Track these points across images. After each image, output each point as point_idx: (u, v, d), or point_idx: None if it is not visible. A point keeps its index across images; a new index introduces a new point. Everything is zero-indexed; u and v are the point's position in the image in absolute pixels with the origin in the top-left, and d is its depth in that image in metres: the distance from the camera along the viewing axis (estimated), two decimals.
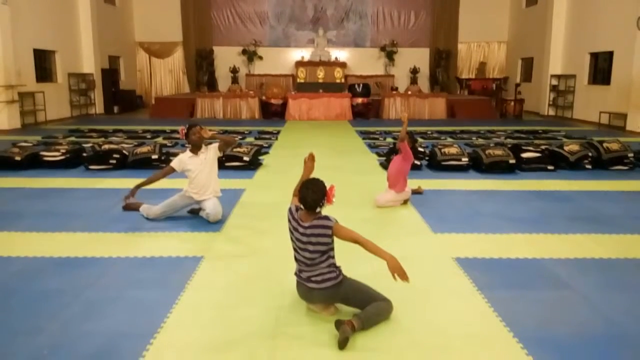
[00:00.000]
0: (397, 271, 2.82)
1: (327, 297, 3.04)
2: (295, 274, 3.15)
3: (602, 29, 14.44)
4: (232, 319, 3.04)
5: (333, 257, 3.05)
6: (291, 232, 3.08)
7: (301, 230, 2.99)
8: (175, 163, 4.97)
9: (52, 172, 7.33)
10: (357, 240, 2.92)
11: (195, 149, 4.97)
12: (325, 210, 3.05)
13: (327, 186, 3.01)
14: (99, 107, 17.35)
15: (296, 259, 3.11)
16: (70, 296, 3.34)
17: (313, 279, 3.02)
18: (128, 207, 5.31)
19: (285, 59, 20.43)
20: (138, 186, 4.97)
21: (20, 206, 5.62)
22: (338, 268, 3.07)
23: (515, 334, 2.87)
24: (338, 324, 2.78)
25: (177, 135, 11.00)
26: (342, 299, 3.06)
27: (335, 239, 3.00)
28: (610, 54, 14.22)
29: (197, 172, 4.92)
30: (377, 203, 5.56)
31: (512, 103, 16.81)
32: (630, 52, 12.95)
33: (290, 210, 3.12)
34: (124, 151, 7.85)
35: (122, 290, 3.45)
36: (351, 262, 3.36)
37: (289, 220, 3.09)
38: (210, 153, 5.01)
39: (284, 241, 3.68)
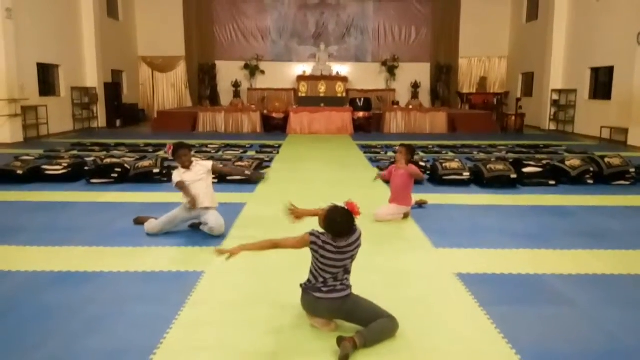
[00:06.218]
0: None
1: (332, 309, 3.02)
2: (302, 285, 3.13)
3: (602, 44, 14.52)
4: (232, 336, 3.02)
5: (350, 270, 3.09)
6: (322, 257, 2.99)
7: (338, 249, 2.97)
8: (173, 180, 5.00)
9: (53, 186, 7.34)
10: None
11: (186, 167, 5.02)
12: None
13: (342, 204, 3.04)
14: (101, 121, 17.43)
15: (316, 275, 3.04)
16: (70, 311, 3.33)
17: (323, 288, 3.00)
18: (138, 222, 5.32)
19: (287, 73, 20.55)
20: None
21: (21, 220, 5.62)
22: (349, 286, 3.07)
23: (517, 351, 2.85)
24: (339, 341, 2.76)
25: None
26: (346, 314, 3.04)
27: None
28: (610, 69, 14.28)
29: (193, 184, 4.93)
30: (377, 217, 5.52)
31: (513, 117, 16.87)
32: (630, 67, 13.01)
33: (315, 236, 3.03)
34: (126, 165, 7.86)
35: (122, 305, 3.44)
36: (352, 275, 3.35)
37: (319, 246, 2.99)
38: (203, 167, 5.09)
39: (286, 256, 3.68)
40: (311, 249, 3.04)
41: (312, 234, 3.05)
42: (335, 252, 2.97)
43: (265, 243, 3.17)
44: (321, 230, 3.05)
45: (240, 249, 3.08)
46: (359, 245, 3.06)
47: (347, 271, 3.05)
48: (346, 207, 3.01)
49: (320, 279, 3.02)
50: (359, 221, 3.09)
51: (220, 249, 3.11)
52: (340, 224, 2.96)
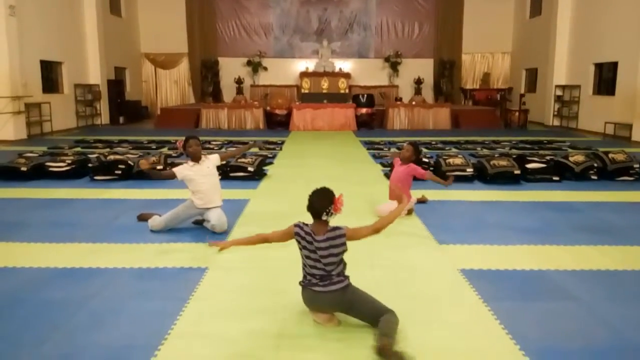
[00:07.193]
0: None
1: (333, 301, 3.02)
2: (300, 282, 3.14)
3: (606, 40, 14.45)
4: (237, 332, 3.03)
5: (345, 264, 3.06)
6: (303, 248, 3.06)
7: (316, 244, 2.99)
8: (177, 169, 4.95)
9: (57, 183, 7.36)
10: (375, 230, 3.10)
11: (196, 159, 4.98)
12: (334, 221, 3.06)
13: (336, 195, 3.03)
14: (104, 118, 17.45)
15: (307, 272, 3.09)
16: (74, 307, 3.34)
17: (319, 283, 3.02)
18: (142, 218, 5.33)
19: (290, 69, 20.53)
20: (148, 170, 5.07)
21: (25, 216, 5.63)
22: (347, 277, 3.07)
23: (521, 346, 2.85)
24: (380, 352, 2.63)
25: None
26: (346, 306, 3.03)
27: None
28: (614, 65, 14.21)
29: (202, 180, 4.91)
30: (378, 213, 5.47)
31: (517, 113, 16.82)
32: (634, 63, 12.95)
33: (299, 226, 3.09)
34: (129, 162, 7.88)
35: (126, 301, 3.45)
36: (352, 271, 3.35)
37: (301, 237, 3.05)
38: (212, 162, 5.07)
39: (289, 252, 3.69)
40: (296, 240, 3.09)
41: (296, 225, 3.11)
42: (313, 246, 2.98)
43: (254, 238, 3.35)
44: (307, 222, 3.09)
45: (231, 244, 3.20)
46: (340, 247, 2.99)
47: (339, 265, 3.03)
48: (335, 196, 3.01)
49: (317, 273, 3.03)
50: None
51: (212, 242, 3.21)
52: (317, 194, 2.99)
